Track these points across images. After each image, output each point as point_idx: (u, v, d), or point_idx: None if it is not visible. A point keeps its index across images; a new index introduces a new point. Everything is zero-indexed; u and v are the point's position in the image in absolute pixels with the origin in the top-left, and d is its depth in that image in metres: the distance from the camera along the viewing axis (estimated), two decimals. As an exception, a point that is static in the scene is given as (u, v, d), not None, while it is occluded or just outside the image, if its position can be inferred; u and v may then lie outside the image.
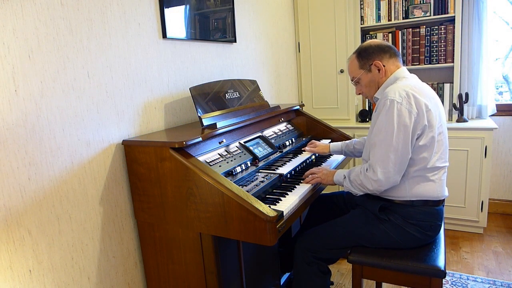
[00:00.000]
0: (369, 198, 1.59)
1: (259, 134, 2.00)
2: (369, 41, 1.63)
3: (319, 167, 1.83)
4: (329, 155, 2.17)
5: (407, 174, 1.48)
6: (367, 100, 3.25)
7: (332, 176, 1.66)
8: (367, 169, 1.48)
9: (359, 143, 1.95)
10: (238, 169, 1.62)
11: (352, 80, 1.69)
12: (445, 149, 1.52)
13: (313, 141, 2.11)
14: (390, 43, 3.02)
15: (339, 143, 2.03)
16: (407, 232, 1.50)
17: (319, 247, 1.62)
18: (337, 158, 2.14)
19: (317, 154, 2.13)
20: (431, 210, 1.51)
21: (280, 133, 2.20)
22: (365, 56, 1.59)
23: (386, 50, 1.58)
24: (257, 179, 1.60)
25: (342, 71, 3.15)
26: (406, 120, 1.40)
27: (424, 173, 1.48)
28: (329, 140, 2.33)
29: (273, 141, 2.05)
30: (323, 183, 1.70)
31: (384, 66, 1.56)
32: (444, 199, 1.56)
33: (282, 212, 1.34)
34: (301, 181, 1.69)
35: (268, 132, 2.10)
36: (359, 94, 1.71)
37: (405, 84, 1.47)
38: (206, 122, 1.67)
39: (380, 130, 1.44)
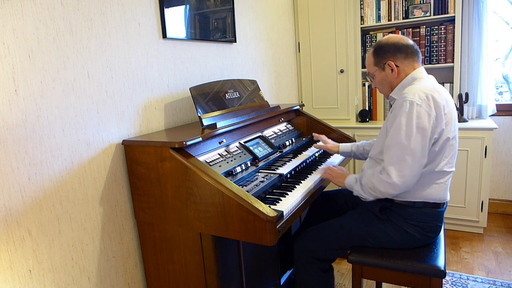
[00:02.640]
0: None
1: (259, 134, 2.00)
2: (387, 37, 1.57)
3: (334, 166, 1.79)
4: (329, 155, 2.17)
5: None
6: (367, 100, 3.25)
7: (343, 178, 1.64)
8: (380, 172, 1.44)
9: (370, 145, 1.89)
10: (238, 169, 1.62)
11: (368, 74, 1.66)
12: (455, 154, 1.49)
13: (323, 137, 2.10)
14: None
15: (349, 144, 1.99)
16: (407, 233, 1.50)
17: (318, 248, 1.61)
18: (339, 157, 2.14)
19: (318, 153, 2.13)
20: (432, 211, 1.50)
21: (280, 133, 2.20)
22: (380, 54, 1.55)
23: (402, 49, 1.52)
24: (257, 179, 1.60)
25: (342, 71, 3.15)
26: (425, 123, 1.36)
27: (430, 177, 1.46)
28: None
29: (273, 141, 2.05)
30: (333, 181, 1.69)
31: (397, 66, 1.52)
32: (445, 202, 1.55)
33: (282, 212, 1.34)
34: (301, 182, 1.69)
35: (268, 132, 2.10)
36: (375, 88, 1.68)
37: (424, 86, 1.43)
38: (206, 122, 1.67)
39: (398, 132, 1.39)
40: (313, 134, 2.19)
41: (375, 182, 1.45)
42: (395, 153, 1.39)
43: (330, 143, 2.05)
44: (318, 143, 2.07)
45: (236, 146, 1.78)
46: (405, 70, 1.53)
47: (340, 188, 1.76)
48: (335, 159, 2.12)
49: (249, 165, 1.71)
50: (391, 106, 1.56)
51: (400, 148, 1.38)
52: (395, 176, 1.39)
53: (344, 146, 2.00)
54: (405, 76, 1.53)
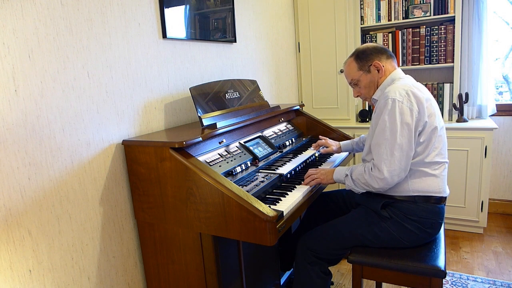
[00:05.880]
0: (371, 196, 1.60)
1: (259, 134, 2.00)
2: (365, 44, 1.68)
3: (316, 168, 1.83)
4: (329, 155, 2.17)
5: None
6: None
7: (331, 174, 1.66)
8: (371, 169, 1.49)
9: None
10: (238, 169, 1.62)
11: (350, 83, 1.71)
12: (444, 145, 1.55)
13: (325, 141, 2.11)
14: (389, 43, 3.04)
15: (349, 141, 2.08)
16: (407, 229, 1.51)
17: (321, 247, 1.62)
18: (340, 156, 2.15)
19: (318, 153, 2.13)
20: (433, 207, 1.51)
21: (280, 133, 2.20)
22: (364, 57, 1.63)
23: (383, 51, 1.63)
24: (257, 179, 1.60)
25: (342, 71, 3.15)
26: (408, 118, 1.43)
27: (424, 167, 1.50)
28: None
29: (273, 141, 2.05)
30: (323, 183, 1.69)
31: (383, 66, 1.60)
32: (445, 198, 1.56)
33: (282, 212, 1.34)
34: (301, 182, 1.69)
35: (268, 132, 2.10)
36: (357, 96, 1.72)
37: (403, 84, 1.51)
38: (206, 122, 1.67)
39: (384, 129, 1.46)
40: (313, 146, 2.15)
41: (368, 179, 1.50)
42: (384, 150, 1.45)
43: (334, 146, 2.07)
44: (321, 149, 2.09)
45: (236, 146, 1.78)
46: (389, 69, 1.62)
47: (340, 189, 1.77)
48: (335, 158, 2.12)
49: (249, 165, 1.71)
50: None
51: (388, 145, 1.44)
52: (387, 172, 1.44)
53: (346, 145, 2.08)
54: (389, 74, 1.60)
